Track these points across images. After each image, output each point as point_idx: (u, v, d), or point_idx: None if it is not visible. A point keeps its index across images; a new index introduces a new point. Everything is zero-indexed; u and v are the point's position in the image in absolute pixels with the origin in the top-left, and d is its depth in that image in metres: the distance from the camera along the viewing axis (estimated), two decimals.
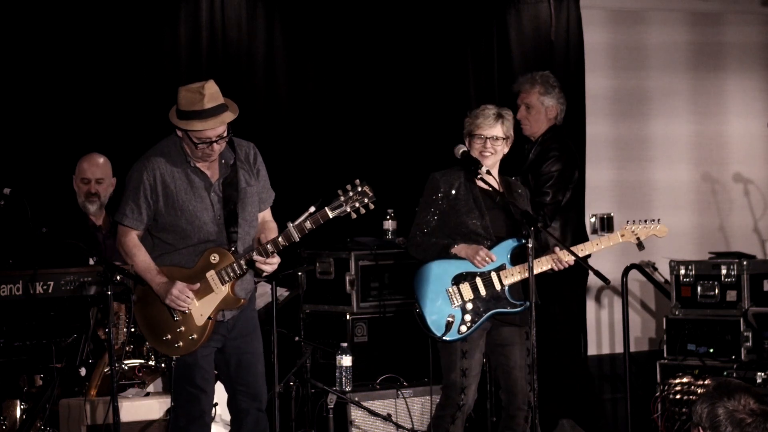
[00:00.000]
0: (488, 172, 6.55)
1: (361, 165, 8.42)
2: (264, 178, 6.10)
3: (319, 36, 8.57)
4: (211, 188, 5.93)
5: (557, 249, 6.53)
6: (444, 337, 6.48)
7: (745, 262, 8.46)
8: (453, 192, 6.55)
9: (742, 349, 8.32)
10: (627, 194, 9.38)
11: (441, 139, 7.76)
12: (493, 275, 6.53)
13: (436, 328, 6.49)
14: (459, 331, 6.48)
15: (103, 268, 6.29)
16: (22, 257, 7.04)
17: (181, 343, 5.92)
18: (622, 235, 6.77)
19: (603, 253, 9.23)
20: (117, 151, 7.75)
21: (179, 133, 5.89)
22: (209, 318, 5.90)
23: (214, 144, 5.82)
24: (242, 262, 5.87)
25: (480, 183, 6.59)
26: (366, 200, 5.81)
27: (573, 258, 6.54)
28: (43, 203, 7.43)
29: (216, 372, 6.15)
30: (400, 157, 8.45)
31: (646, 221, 6.77)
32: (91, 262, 7.02)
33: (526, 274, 6.45)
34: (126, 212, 5.93)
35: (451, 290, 6.51)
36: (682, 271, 8.63)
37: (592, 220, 8.92)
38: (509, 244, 6.55)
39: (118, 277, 6.28)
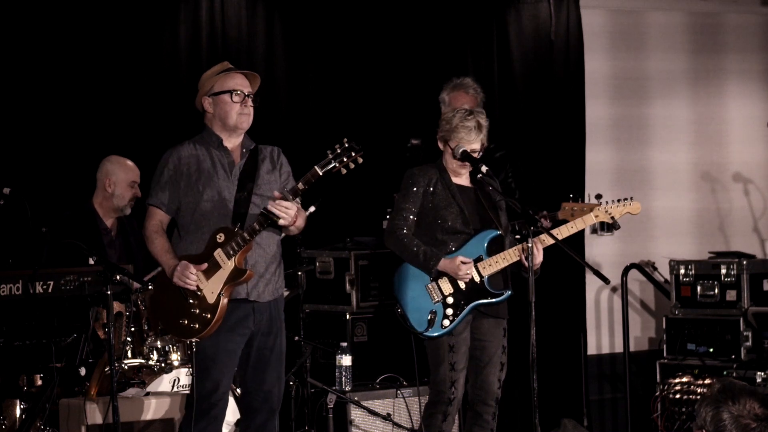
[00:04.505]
0: (487, 173, 6.56)
1: (361, 164, 8.41)
2: (288, 174, 6.22)
3: (319, 35, 8.57)
4: (233, 170, 6.09)
5: (537, 240, 6.49)
6: (426, 333, 6.52)
7: (744, 262, 8.46)
8: (431, 188, 6.59)
9: (742, 349, 8.33)
10: (626, 177, 9.38)
11: None
12: (471, 267, 6.55)
13: (418, 324, 6.54)
14: (442, 325, 6.52)
15: (102, 268, 6.30)
16: (22, 257, 7.04)
17: (196, 325, 5.95)
18: (596, 216, 6.75)
19: (603, 253, 9.30)
20: (117, 150, 7.75)
21: (211, 110, 6.12)
22: (220, 294, 5.93)
23: (248, 102, 6.07)
24: (245, 234, 5.92)
25: (456, 180, 6.62)
26: (353, 154, 5.86)
27: (541, 254, 6.51)
28: (44, 203, 7.42)
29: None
30: (400, 156, 8.43)
31: (619, 200, 6.76)
32: (91, 261, 7.02)
33: (504, 264, 6.51)
34: (151, 193, 6.14)
35: (430, 286, 6.56)
36: (682, 271, 8.64)
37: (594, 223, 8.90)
38: (485, 235, 6.58)
39: (118, 277, 6.29)
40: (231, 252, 5.94)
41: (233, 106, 6.07)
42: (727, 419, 3.89)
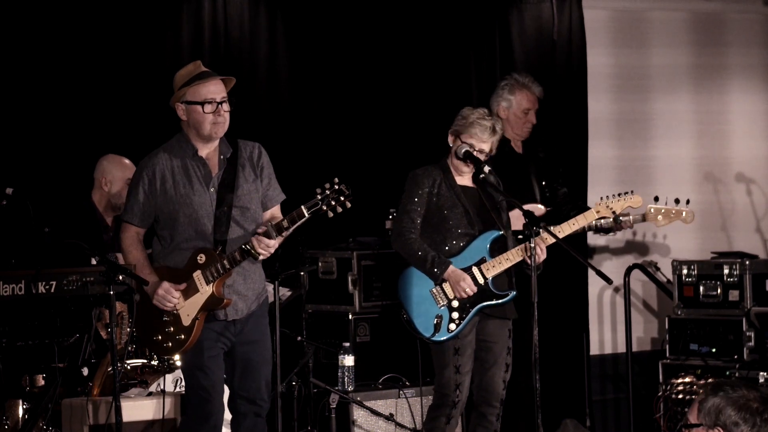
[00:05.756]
0: (491, 172, 6.56)
1: (363, 164, 8.42)
2: (269, 176, 6.15)
3: (321, 35, 8.57)
4: (210, 182, 6.00)
5: (539, 238, 6.49)
6: (433, 338, 6.51)
7: (747, 262, 8.45)
8: (435, 189, 6.58)
9: (745, 349, 8.32)
10: (628, 173, 9.38)
11: (443, 139, 7.75)
12: (475, 270, 6.56)
13: (425, 329, 6.53)
14: (448, 329, 6.51)
15: (105, 267, 6.30)
16: (25, 257, 7.04)
17: (170, 344, 5.97)
18: (598, 211, 6.76)
19: (605, 253, 9.30)
20: (119, 150, 7.75)
21: (185, 117, 6.02)
22: (195, 318, 5.92)
23: (222, 109, 5.95)
24: (225, 262, 5.88)
25: (459, 181, 6.61)
26: (342, 198, 5.78)
27: (544, 252, 6.51)
28: (46, 203, 7.42)
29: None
30: (402, 156, 8.44)
31: (620, 194, 6.76)
32: (93, 262, 7.02)
33: (507, 265, 6.50)
34: (125, 207, 6.09)
35: (435, 290, 6.55)
36: (685, 271, 8.63)
37: (596, 218, 8.90)
38: (487, 236, 6.57)
39: (121, 277, 6.29)
40: (210, 278, 5.91)
41: (206, 116, 5.96)
42: (731, 406, 3.90)
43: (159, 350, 6.14)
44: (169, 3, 8.14)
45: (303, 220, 5.80)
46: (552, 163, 8.03)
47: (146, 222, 6.05)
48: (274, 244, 5.87)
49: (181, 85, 6.02)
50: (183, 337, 5.93)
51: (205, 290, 5.92)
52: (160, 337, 5.97)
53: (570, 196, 8.02)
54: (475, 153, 6.57)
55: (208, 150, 6.06)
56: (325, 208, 5.78)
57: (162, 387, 6.72)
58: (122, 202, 7.54)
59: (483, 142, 6.57)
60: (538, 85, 8.00)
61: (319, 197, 5.77)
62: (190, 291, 5.93)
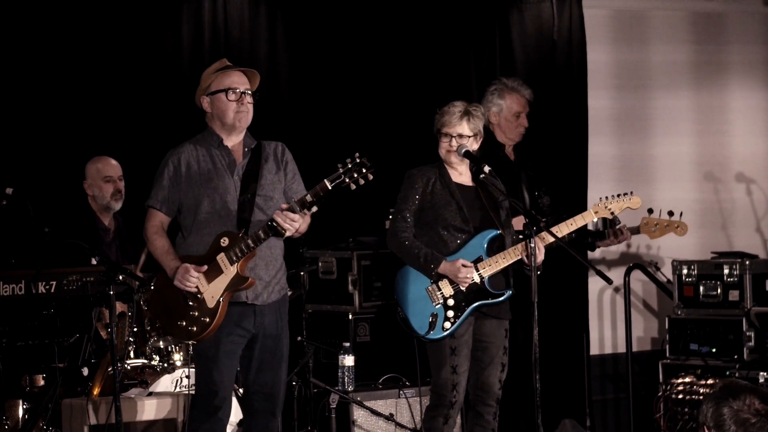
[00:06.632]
0: (490, 172, 6.55)
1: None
2: (293, 171, 6.23)
3: (321, 35, 8.57)
4: (234, 170, 6.08)
5: (537, 238, 6.48)
6: (428, 336, 6.51)
7: (747, 262, 8.45)
8: (429, 187, 6.59)
9: (745, 349, 8.32)
10: (629, 170, 9.38)
11: None
12: (472, 272, 6.54)
13: (420, 327, 6.53)
14: (443, 327, 6.51)
15: (105, 268, 6.31)
16: (25, 257, 7.04)
17: (195, 328, 5.98)
18: (596, 212, 6.75)
19: (605, 253, 9.30)
20: (119, 151, 7.76)
21: (209, 109, 6.12)
22: (220, 300, 5.94)
23: (245, 99, 6.06)
24: (249, 241, 5.92)
25: (456, 179, 6.61)
26: (364, 170, 5.85)
27: (542, 251, 6.50)
28: (46, 203, 7.43)
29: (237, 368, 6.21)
30: (402, 156, 8.44)
31: (619, 195, 6.76)
32: (94, 262, 7.03)
33: (504, 264, 6.51)
34: (151, 194, 6.14)
35: (430, 289, 6.55)
36: (685, 271, 8.63)
37: (594, 219, 8.90)
38: (485, 235, 6.56)
39: (121, 277, 6.30)
40: (234, 258, 5.95)
41: (230, 104, 6.07)
42: (727, 414, 3.93)
43: (183, 335, 6.12)
44: (169, 3, 8.14)
45: (326, 194, 5.85)
46: (539, 176, 8.02)
47: (171, 210, 6.10)
48: (298, 218, 5.90)
49: (206, 76, 6.15)
50: (207, 320, 5.95)
51: (230, 270, 5.96)
52: (184, 323, 5.99)
53: (553, 207, 8.00)
54: (453, 140, 6.56)
55: (233, 142, 6.15)
56: (347, 180, 5.84)
57: (187, 373, 6.70)
58: (107, 200, 7.57)
59: (454, 127, 6.58)
60: (527, 88, 7.97)
61: (341, 170, 5.84)
62: (214, 273, 5.97)
